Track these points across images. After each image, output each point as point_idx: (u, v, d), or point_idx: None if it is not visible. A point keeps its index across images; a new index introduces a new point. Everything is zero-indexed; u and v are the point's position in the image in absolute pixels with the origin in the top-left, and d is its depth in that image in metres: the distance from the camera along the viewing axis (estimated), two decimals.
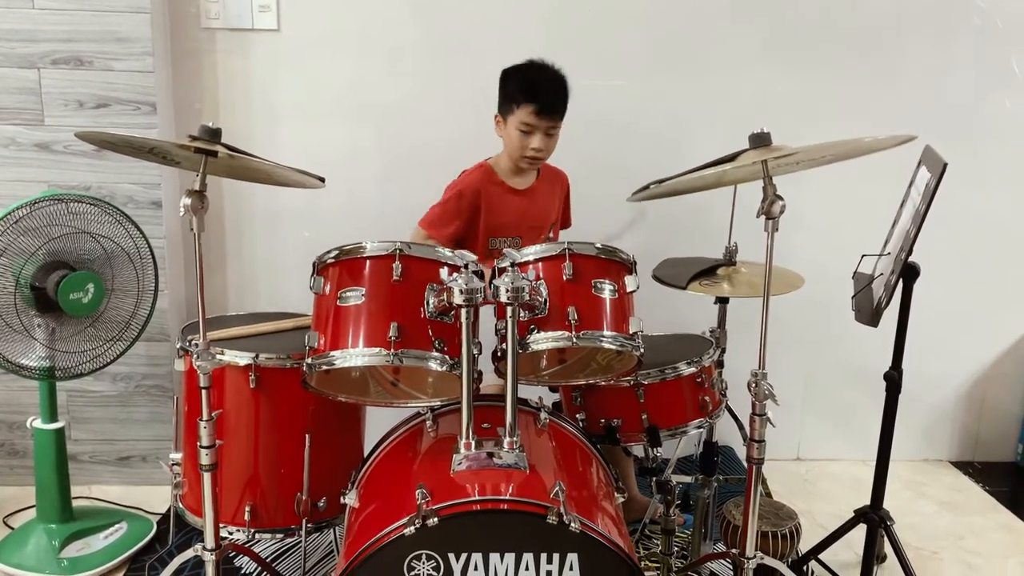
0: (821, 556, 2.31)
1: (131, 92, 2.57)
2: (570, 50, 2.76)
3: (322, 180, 1.85)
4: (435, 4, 2.77)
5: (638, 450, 2.18)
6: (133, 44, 2.54)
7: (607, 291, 1.77)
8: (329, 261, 1.75)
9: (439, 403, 1.91)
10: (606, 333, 1.75)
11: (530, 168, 2.36)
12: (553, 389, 2.33)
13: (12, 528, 2.48)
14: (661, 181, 1.73)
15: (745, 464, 1.77)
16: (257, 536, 2.03)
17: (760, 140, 1.66)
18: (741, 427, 2.34)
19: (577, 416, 2.09)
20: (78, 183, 2.60)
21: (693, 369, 2.08)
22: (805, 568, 2.32)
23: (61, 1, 2.49)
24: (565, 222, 2.58)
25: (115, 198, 2.59)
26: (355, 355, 1.68)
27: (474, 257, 1.72)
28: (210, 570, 1.78)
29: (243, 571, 2.32)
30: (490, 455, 1.63)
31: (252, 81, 2.79)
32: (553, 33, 2.79)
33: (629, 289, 1.81)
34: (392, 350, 1.64)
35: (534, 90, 2.24)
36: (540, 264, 1.76)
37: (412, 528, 1.44)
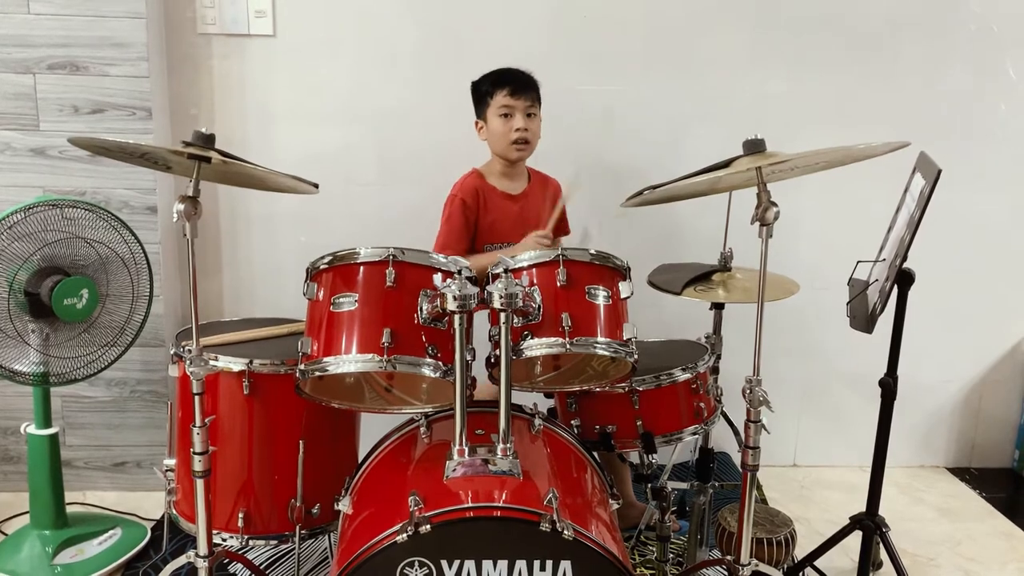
0: (817, 563, 2.30)
1: (127, 97, 2.57)
2: (565, 54, 2.79)
3: (316, 186, 1.84)
4: (431, 9, 2.77)
5: (634, 456, 2.18)
6: (129, 49, 2.54)
7: (601, 297, 1.77)
8: (322, 267, 1.74)
9: (433, 409, 1.91)
10: (600, 339, 1.75)
11: (521, 155, 2.37)
12: (548, 395, 2.33)
13: (6, 534, 2.47)
14: (655, 187, 1.73)
15: (740, 470, 1.76)
16: (251, 543, 2.02)
17: (754, 147, 1.65)
18: (737, 433, 2.34)
19: (572, 422, 2.09)
20: (73, 188, 2.60)
21: (688, 375, 2.08)
22: (801, 575, 2.32)
23: (56, 6, 2.49)
24: (563, 230, 2.57)
25: (110, 203, 2.59)
26: (348, 361, 1.68)
27: (467, 263, 1.72)
28: None
29: None
30: (484, 462, 1.62)
31: (248, 86, 2.78)
32: (548, 37, 2.80)
33: (623, 295, 1.81)
34: (385, 356, 1.64)
35: (503, 76, 2.35)
36: (534, 270, 1.76)
37: (404, 535, 1.43)
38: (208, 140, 1.64)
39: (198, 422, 1.69)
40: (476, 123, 2.42)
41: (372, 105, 2.81)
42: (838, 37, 2.85)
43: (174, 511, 2.11)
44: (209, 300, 2.89)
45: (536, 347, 1.72)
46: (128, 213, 2.58)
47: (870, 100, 2.88)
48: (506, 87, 2.32)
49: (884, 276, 1.97)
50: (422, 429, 1.85)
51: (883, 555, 2.31)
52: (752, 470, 1.73)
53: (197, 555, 1.78)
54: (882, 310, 1.92)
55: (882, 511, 2.16)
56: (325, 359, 1.70)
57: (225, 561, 2.27)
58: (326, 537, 2.25)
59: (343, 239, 1.80)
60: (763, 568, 1.84)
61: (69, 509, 2.44)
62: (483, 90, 2.38)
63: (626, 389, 2.03)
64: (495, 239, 2.37)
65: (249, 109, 2.80)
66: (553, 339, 1.71)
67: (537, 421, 1.89)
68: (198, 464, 1.71)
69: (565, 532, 1.44)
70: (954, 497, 3.00)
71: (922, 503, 2.94)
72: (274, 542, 2.06)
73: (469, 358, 1.68)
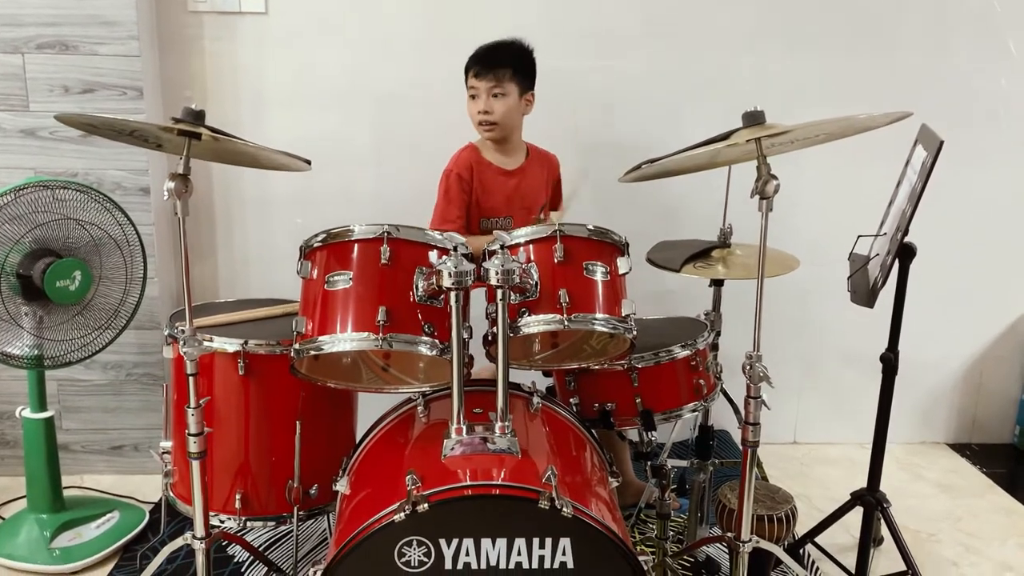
0: (818, 539, 2.30)
1: (117, 77, 2.54)
2: (565, 31, 2.76)
3: (308, 162, 1.82)
4: None
5: (633, 434, 2.17)
6: (118, 28, 2.50)
7: (599, 273, 1.75)
8: (316, 245, 1.72)
9: (430, 388, 1.89)
10: (598, 316, 1.72)
11: (488, 136, 2.34)
12: (547, 374, 2.32)
13: (3, 518, 2.46)
14: (653, 161, 1.70)
15: (740, 448, 1.75)
16: (249, 524, 2.01)
17: (754, 118, 1.63)
18: (737, 410, 2.33)
19: (571, 400, 2.08)
20: (65, 169, 2.57)
21: (687, 352, 2.07)
22: (801, 551, 2.32)
23: None
24: (555, 205, 2.55)
25: (103, 185, 2.56)
26: (343, 340, 1.66)
27: (463, 239, 1.70)
28: (199, 558, 1.76)
29: (236, 559, 2.31)
30: (482, 440, 1.61)
31: (240, 66, 2.75)
32: (547, 14, 2.76)
33: (621, 271, 1.78)
34: (381, 334, 1.62)
35: (474, 56, 2.31)
36: (531, 246, 1.74)
37: (402, 514, 1.42)
38: (198, 116, 1.62)
39: (192, 403, 1.67)
40: None
41: (367, 83, 2.78)
42: (839, 14, 2.82)
43: (171, 493, 2.10)
44: (204, 282, 2.88)
45: (534, 324, 1.70)
46: (121, 194, 2.55)
47: (871, 78, 2.85)
48: (472, 68, 2.29)
49: (885, 250, 1.95)
50: (419, 408, 1.83)
51: (884, 531, 2.32)
52: (752, 446, 1.71)
53: (194, 537, 1.77)
54: (883, 284, 1.90)
55: (883, 487, 2.16)
56: (320, 338, 1.68)
57: (223, 543, 2.27)
58: (324, 518, 2.24)
59: (339, 221, 1.77)
60: (764, 545, 1.83)
61: (66, 493, 2.44)
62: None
63: (625, 366, 2.01)
64: (491, 214, 2.34)
65: (242, 89, 2.77)
66: (551, 316, 1.69)
67: (535, 399, 1.87)
68: (193, 445, 1.69)
69: (564, 510, 1.43)
70: (955, 473, 2.99)
71: (923, 479, 2.93)
72: (272, 523, 2.06)
73: (466, 336, 1.66)
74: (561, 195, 2.56)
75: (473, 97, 2.30)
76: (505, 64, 2.29)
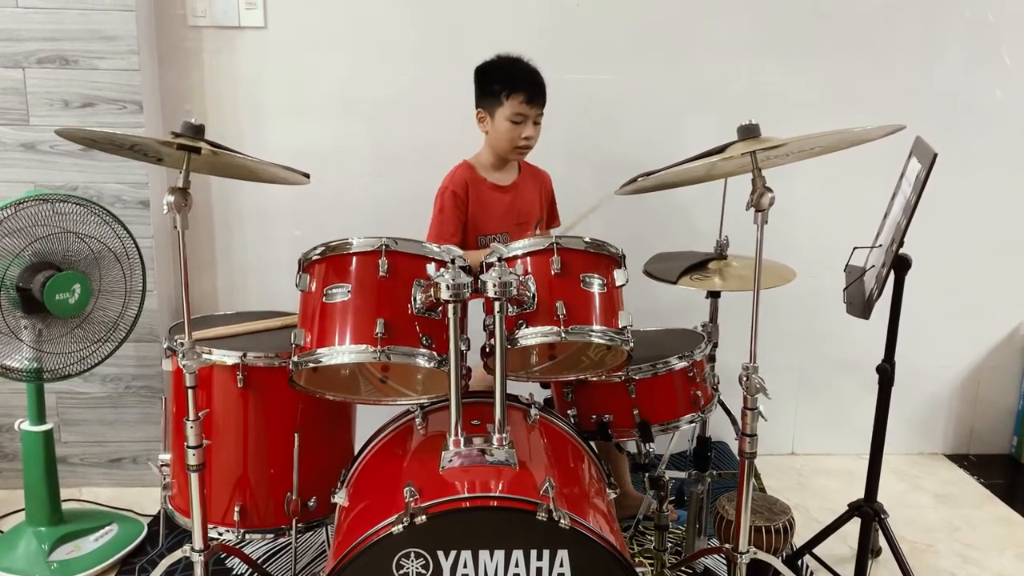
0: (815, 550, 2.30)
1: (117, 91, 2.55)
2: (560, 44, 2.78)
3: (307, 176, 1.83)
4: None
5: (631, 446, 2.17)
6: (118, 42, 2.52)
7: (596, 285, 1.76)
8: (315, 258, 1.73)
9: (428, 400, 1.89)
10: (595, 327, 1.73)
11: (519, 158, 2.37)
12: (544, 385, 2.32)
13: (1, 531, 2.46)
14: (649, 174, 1.71)
15: (738, 459, 1.75)
16: (247, 537, 2.02)
17: (749, 132, 1.64)
18: (734, 421, 2.34)
19: (568, 412, 2.08)
20: (65, 183, 2.58)
21: (685, 363, 2.08)
22: (799, 563, 2.32)
23: (45, 0, 2.47)
24: (552, 221, 2.56)
25: (102, 198, 2.57)
26: (342, 352, 1.66)
27: (461, 252, 1.71)
28: (198, 571, 1.76)
29: (234, 572, 2.30)
30: (480, 452, 1.61)
31: (240, 79, 2.77)
32: (542, 26, 2.78)
33: (618, 283, 1.79)
34: (379, 347, 1.62)
35: (522, 81, 2.28)
36: (528, 258, 1.75)
37: (400, 526, 1.42)
38: (198, 131, 1.63)
39: (191, 416, 1.68)
40: (477, 112, 2.34)
41: (365, 97, 2.80)
42: (833, 24, 2.84)
43: (170, 506, 2.10)
44: (203, 295, 2.88)
45: (531, 336, 1.71)
46: (120, 208, 2.57)
47: (865, 88, 2.87)
48: (522, 93, 2.25)
49: (881, 262, 1.96)
50: (418, 420, 1.84)
51: (882, 542, 2.32)
52: (749, 458, 1.72)
53: (193, 549, 1.77)
54: (879, 296, 1.92)
55: (880, 498, 2.16)
56: (319, 351, 1.68)
57: (222, 556, 2.27)
58: (323, 530, 2.24)
59: (337, 233, 1.77)
60: (761, 556, 1.83)
61: (65, 506, 2.44)
62: (495, 87, 2.28)
63: (623, 378, 2.02)
64: (487, 230, 2.35)
65: (241, 103, 2.78)
66: (548, 327, 1.70)
67: (533, 411, 1.88)
68: (192, 458, 1.70)
69: (562, 521, 1.43)
70: (952, 483, 2.99)
71: (920, 490, 2.93)
72: (271, 536, 2.06)
73: (464, 348, 1.67)
74: (557, 211, 2.56)
75: (519, 123, 2.27)
76: (545, 91, 2.31)
